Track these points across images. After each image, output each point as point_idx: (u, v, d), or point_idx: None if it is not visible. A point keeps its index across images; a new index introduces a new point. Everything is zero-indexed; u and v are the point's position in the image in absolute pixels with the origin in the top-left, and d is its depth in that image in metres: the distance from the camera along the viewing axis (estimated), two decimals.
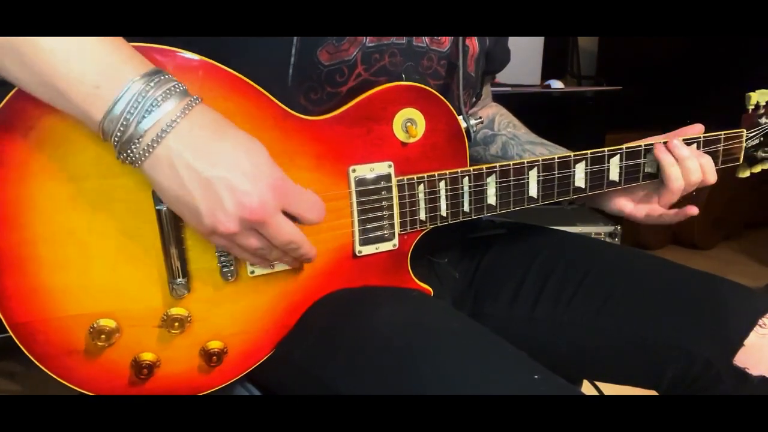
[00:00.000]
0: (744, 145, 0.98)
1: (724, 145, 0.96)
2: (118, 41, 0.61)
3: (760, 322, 0.78)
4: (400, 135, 0.79)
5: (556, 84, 3.01)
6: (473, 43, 0.93)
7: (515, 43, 1.09)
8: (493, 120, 1.08)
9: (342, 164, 0.77)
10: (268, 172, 0.63)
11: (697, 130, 0.93)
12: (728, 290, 0.84)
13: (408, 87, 0.79)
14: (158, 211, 0.69)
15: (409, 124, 0.79)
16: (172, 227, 0.69)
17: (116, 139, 0.60)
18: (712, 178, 0.91)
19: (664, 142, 0.90)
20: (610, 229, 2.26)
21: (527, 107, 1.26)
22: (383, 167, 0.79)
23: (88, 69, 0.59)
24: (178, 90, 0.61)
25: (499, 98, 1.18)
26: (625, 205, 0.95)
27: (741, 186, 3.18)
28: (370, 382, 0.67)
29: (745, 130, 0.98)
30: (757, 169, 1.03)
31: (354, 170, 0.77)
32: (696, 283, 0.85)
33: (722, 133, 0.96)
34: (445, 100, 0.82)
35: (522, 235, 1.01)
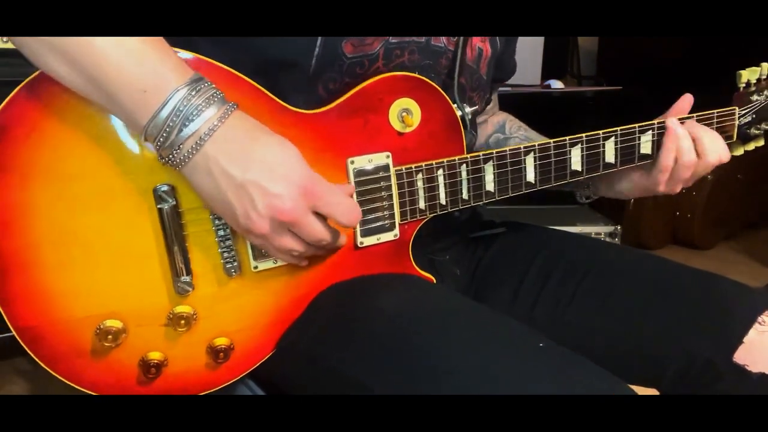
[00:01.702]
0: (737, 122, 0.98)
1: (717, 123, 0.96)
2: (165, 48, 0.64)
3: (759, 319, 0.79)
4: (396, 125, 0.80)
5: (556, 84, 3.02)
6: (486, 46, 0.94)
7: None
8: (503, 125, 1.09)
9: (340, 156, 0.78)
10: (299, 174, 0.66)
11: (686, 102, 0.93)
12: (727, 288, 0.84)
13: (402, 77, 0.80)
14: (160, 210, 0.69)
15: (405, 113, 0.80)
16: (174, 226, 0.70)
17: (158, 144, 0.63)
18: (713, 158, 0.90)
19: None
20: (610, 229, 2.27)
21: (527, 107, 1.26)
22: (381, 158, 0.79)
23: (137, 73, 0.62)
24: (217, 98, 0.64)
25: (499, 98, 1.18)
26: (624, 186, 0.97)
27: (741, 186, 3.18)
28: (379, 364, 0.68)
29: (737, 108, 0.98)
30: (751, 146, 1.03)
31: (352, 162, 0.78)
32: (695, 282, 0.86)
33: (714, 111, 0.96)
34: (439, 89, 0.82)
35: (522, 235, 1.02)
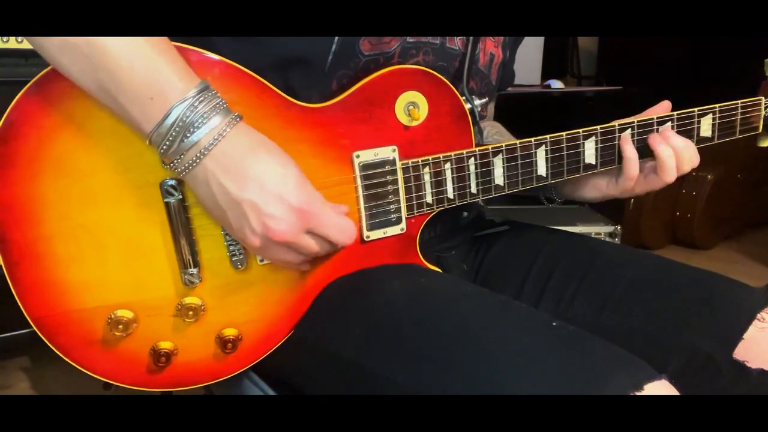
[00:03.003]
0: (763, 113, 0.95)
1: (741, 114, 0.94)
2: (174, 54, 0.66)
3: (759, 316, 0.79)
4: (403, 118, 0.80)
5: (556, 84, 3.03)
6: (498, 51, 0.96)
7: None
8: (482, 130, 1.10)
9: (346, 150, 0.78)
10: (295, 196, 0.67)
11: (664, 107, 0.92)
12: (727, 286, 0.85)
13: (410, 70, 0.80)
14: (167, 204, 0.71)
15: (412, 107, 0.80)
16: (181, 219, 0.71)
17: (162, 151, 0.65)
18: (687, 167, 0.88)
19: (657, 129, 0.88)
20: (610, 229, 2.26)
21: (527, 107, 1.27)
22: (387, 152, 0.80)
23: (146, 80, 0.63)
24: (221, 108, 0.66)
25: (499, 98, 1.19)
26: (600, 187, 0.94)
27: (741, 186, 3.19)
28: (394, 350, 0.69)
29: (763, 98, 0.95)
30: None
31: (358, 156, 0.78)
32: (695, 280, 0.86)
33: (739, 101, 0.93)
34: (447, 82, 0.82)
35: (523, 235, 1.02)
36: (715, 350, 0.79)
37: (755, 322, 0.79)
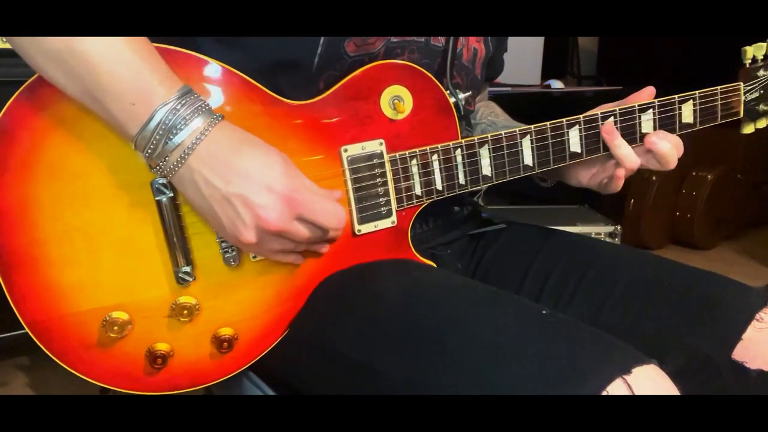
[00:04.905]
0: (742, 98, 0.97)
1: (722, 100, 0.95)
2: (156, 58, 0.66)
3: (757, 316, 0.79)
4: (388, 112, 0.81)
5: (556, 84, 3.03)
6: (481, 47, 0.96)
7: (515, 43, 1.10)
8: (477, 111, 1.10)
9: (334, 145, 0.79)
10: (282, 184, 0.67)
11: (647, 93, 0.92)
12: (726, 286, 0.85)
13: (393, 65, 0.81)
14: (158, 202, 0.71)
15: (397, 100, 0.81)
16: (173, 217, 0.71)
17: (147, 154, 0.65)
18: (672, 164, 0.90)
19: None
20: (610, 229, 2.26)
21: (527, 107, 1.26)
22: (374, 145, 0.80)
23: (128, 86, 0.64)
24: (203, 110, 0.66)
25: (499, 98, 1.19)
26: (583, 176, 0.95)
27: (741, 186, 3.19)
28: (388, 345, 0.69)
29: (742, 83, 0.97)
30: (762, 123, 1.01)
31: (346, 150, 0.79)
32: (694, 280, 0.86)
33: (719, 87, 0.94)
34: (430, 76, 0.83)
35: (522, 235, 1.02)
36: (713, 351, 0.79)
37: (754, 323, 0.79)
